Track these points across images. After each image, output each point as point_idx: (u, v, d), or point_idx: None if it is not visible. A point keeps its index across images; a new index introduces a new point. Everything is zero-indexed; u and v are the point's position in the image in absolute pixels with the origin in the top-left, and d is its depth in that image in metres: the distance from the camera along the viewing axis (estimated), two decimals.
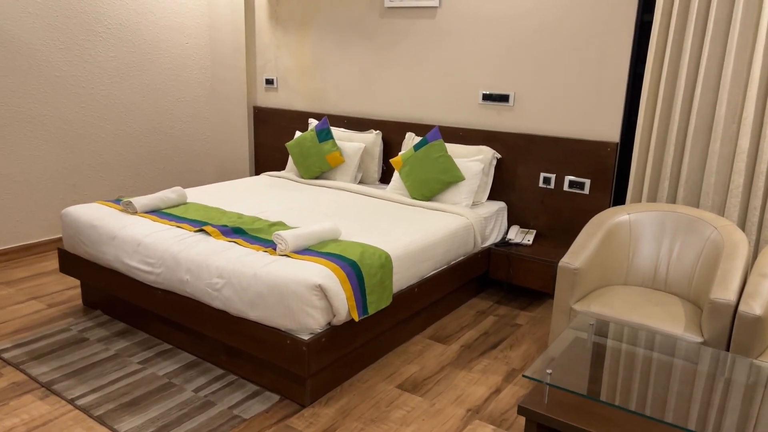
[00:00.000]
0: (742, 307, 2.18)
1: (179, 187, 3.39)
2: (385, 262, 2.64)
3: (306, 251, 2.59)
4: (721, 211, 3.06)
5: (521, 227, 3.77)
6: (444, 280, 3.16)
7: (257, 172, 5.05)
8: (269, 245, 2.66)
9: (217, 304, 2.51)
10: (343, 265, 2.44)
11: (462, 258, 3.33)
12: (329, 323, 2.41)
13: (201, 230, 2.85)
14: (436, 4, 3.91)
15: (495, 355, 2.94)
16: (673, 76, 3.09)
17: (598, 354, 2.16)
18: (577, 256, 2.64)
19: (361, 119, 4.38)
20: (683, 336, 2.33)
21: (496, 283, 3.86)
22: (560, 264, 2.61)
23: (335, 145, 4.07)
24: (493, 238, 3.65)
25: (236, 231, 2.84)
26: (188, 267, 2.59)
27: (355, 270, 2.46)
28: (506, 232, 3.76)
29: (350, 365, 2.65)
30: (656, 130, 3.14)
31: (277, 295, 2.32)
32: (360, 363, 2.72)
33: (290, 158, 4.33)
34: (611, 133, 3.44)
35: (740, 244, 2.55)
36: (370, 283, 2.52)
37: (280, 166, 4.88)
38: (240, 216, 3.12)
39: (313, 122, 4.44)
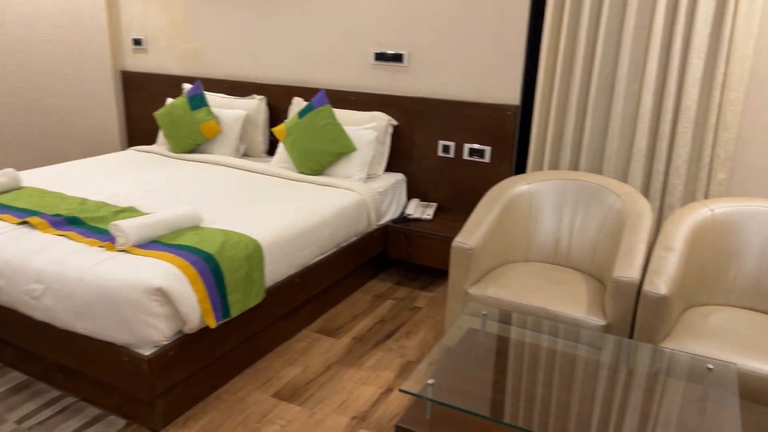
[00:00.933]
0: (646, 286, 1.96)
1: (11, 169, 2.81)
2: (253, 253, 2.24)
3: (153, 244, 2.14)
4: (625, 176, 2.86)
5: (421, 200, 3.46)
6: (333, 266, 2.80)
7: (130, 147, 4.45)
8: (108, 238, 2.19)
9: (38, 315, 2.03)
10: (195, 260, 2.02)
11: (354, 239, 2.97)
12: (180, 331, 1.99)
13: (25, 222, 2.33)
14: None
15: (389, 346, 2.63)
16: (572, 32, 2.82)
17: (491, 350, 1.87)
18: (472, 234, 2.34)
19: (242, 83, 3.89)
20: (586, 320, 2.09)
21: (398, 261, 3.55)
22: (453, 244, 2.31)
23: (210, 113, 3.57)
24: (391, 213, 3.31)
25: (71, 221, 2.34)
26: (1, 270, 2.08)
27: (210, 265, 2.05)
28: (405, 207, 3.44)
29: (217, 375, 2.25)
30: (557, 91, 2.88)
31: (108, 302, 1.88)
32: (231, 370, 2.32)
33: (160, 130, 3.78)
34: (511, 95, 3.15)
35: (644, 213, 2.34)
36: (233, 279, 2.12)
37: (155, 138, 4.31)
38: (83, 202, 2.60)
39: (186, 87, 3.90)
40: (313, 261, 2.67)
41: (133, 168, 3.31)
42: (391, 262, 3.52)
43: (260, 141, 3.75)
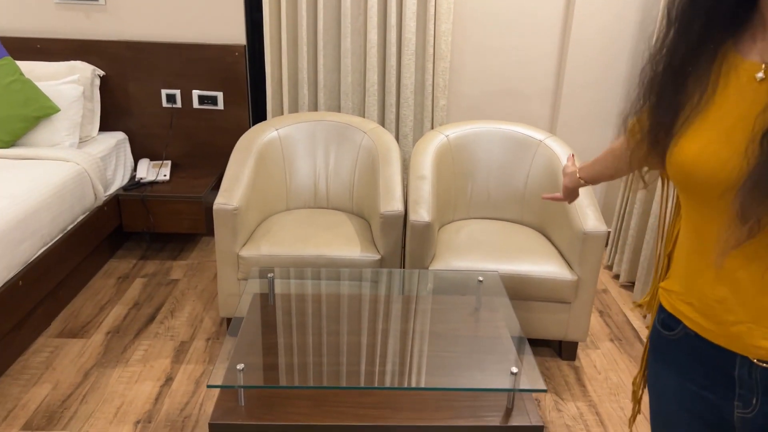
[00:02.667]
0: (412, 217, 2.07)
1: None
2: None
3: None
4: (362, 112, 2.95)
5: (152, 160, 3.06)
6: (62, 256, 2.32)
7: None
8: None
9: None
10: None
11: (82, 218, 2.49)
12: None
13: None
14: None
15: (155, 331, 2.34)
16: None
17: (283, 313, 1.79)
18: (233, 193, 2.16)
19: None
20: (361, 258, 2.14)
21: (136, 233, 3.13)
22: (216, 207, 2.10)
23: None
24: (119, 180, 2.86)
25: None
26: None
27: None
28: (134, 170, 3.01)
29: None
30: (285, 28, 2.76)
31: None
32: None
33: None
34: (236, 33, 2.92)
35: (392, 146, 2.45)
36: None
37: None
38: None
39: None
40: (37, 255, 2.16)
41: None
42: (127, 235, 3.09)
43: None
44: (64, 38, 2.88)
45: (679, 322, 0.85)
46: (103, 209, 2.65)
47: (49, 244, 2.25)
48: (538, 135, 2.45)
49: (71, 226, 2.42)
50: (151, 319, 2.42)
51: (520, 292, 2.08)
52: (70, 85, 2.70)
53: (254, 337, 1.63)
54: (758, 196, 0.68)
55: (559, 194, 1.41)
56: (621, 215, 2.86)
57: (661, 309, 0.89)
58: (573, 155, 1.37)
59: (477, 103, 3.00)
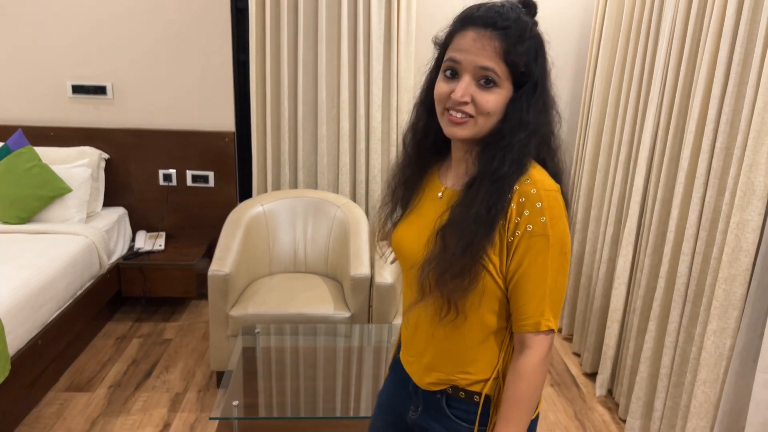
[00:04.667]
0: (377, 279, 2.47)
1: None
2: None
3: None
4: (336, 188, 3.38)
5: (149, 232, 3.43)
6: (73, 319, 2.65)
7: None
8: None
9: None
10: None
11: (89, 284, 2.84)
12: None
13: None
14: None
15: (152, 385, 2.65)
16: (276, 63, 3.18)
17: (268, 361, 2.14)
18: (225, 261, 2.54)
19: None
20: (334, 315, 2.51)
21: (131, 298, 3.45)
22: (210, 273, 2.47)
23: None
24: (120, 250, 3.22)
25: None
26: None
27: None
28: (132, 241, 3.37)
29: None
30: (270, 117, 3.22)
31: None
32: None
33: None
34: (226, 122, 3.38)
35: (361, 219, 2.87)
36: None
37: None
38: None
39: None
40: (53, 318, 2.49)
41: None
42: (125, 299, 3.41)
43: None
44: (75, 127, 3.30)
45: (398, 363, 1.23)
46: (106, 276, 2.99)
47: (63, 308, 2.58)
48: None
49: (80, 292, 2.75)
50: (148, 374, 2.73)
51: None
52: (80, 168, 3.10)
53: (245, 381, 1.98)
54: (425, 272, 1.02)
55: None
56: None
57: (396, 353, 1.26)
58: None
59: None
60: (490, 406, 1.07)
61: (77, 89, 3.27)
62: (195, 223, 3.45)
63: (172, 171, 3.38)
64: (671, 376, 2.15)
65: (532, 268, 0.97)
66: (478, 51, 0.96)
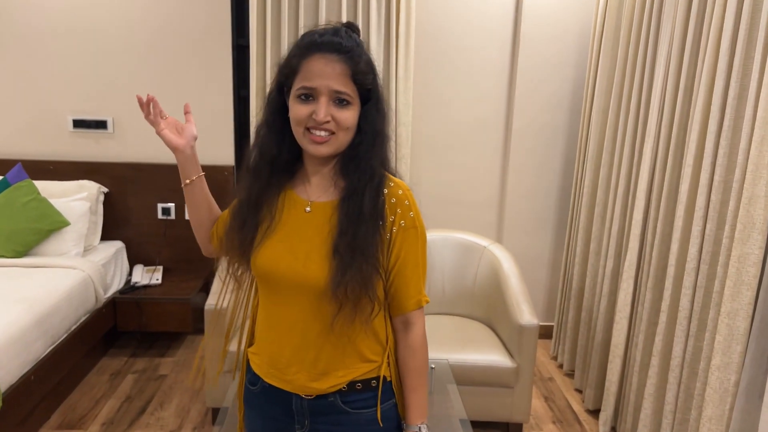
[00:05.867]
0: None
1: None
2: None
3: None
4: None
5: (146, 266, 3.41)
6: (67, 354, 2.60)
7: None
8: None
9: None
10: None
11: (84, 319, 2.80)
12: None
13: None
14: None
15: (146, 422, 2.59)
16: None
17: None
18: (221, 294, 2.51)
19: None
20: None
21: (126, 332, 3.41)
22: (207, 307, 2.44)
23: None
24: (116, 284, 3.19)
25: None
26: None
27: None
28: (129, 274, 3.35)
29: None
30: None
31: None
32: None
33: None
34: (226, 156, 3.39)
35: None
36: None
37: None
38: None
39: None
40: (46, 353, 2.45)
41: None
42: (119, 334, 3.36)
43: None
44: (75, 161, 3.31)
45: (259, 378, 1.21)
46: (102, 311, 2.96)
47: (57, 343, 2.54)
48: (482, 242, 2.89)
49: (75, 327, 2.72)
50: (142, 411, 2.67)
51: (469, 378, 2.42)
52: (78, 201, 3.09)
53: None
54: (339, 288, 1.06)
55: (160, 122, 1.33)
56: (561, 310, 3.26)
57: (248, 370, 1.25)
58: (188, 105, 1.39)
59: (433, 212, 3.46)
60: (386, 386, 1.19)
61: (78, 123, 3.29)
62: (192, 257, 3.43)
63: (171, 205, 3.38)
64: (676, 413, 2.10)
65: (409, 256, 1.14)
66: (330, 75, 1.06)
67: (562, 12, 3.20)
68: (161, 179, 3.34)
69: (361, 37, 1.13)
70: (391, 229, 1.12)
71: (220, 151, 3.38)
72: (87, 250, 3.14)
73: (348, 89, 1.07)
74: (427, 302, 1.19)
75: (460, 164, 3.42)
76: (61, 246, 3.00)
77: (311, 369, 1.14)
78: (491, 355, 2.44)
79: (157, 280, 3.25)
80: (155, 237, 3.41)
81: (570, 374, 3.13)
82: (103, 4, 3.20)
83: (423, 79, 3.33)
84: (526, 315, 2.44)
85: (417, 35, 3.22)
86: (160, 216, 3.38)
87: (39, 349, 2.38)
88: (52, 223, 2.95)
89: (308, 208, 1.15)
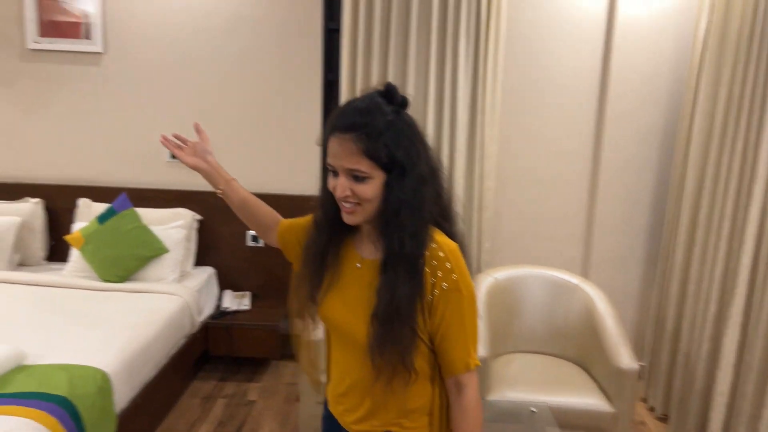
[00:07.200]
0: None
1: None
2: (102, 384, 2.11)
3: None
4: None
5: (235, 291, 3.52)
6: (167, 377, 2.71)
7: None
8: None
9: None
10: (50, 408, 1.84)
11: (182, 344, 2.91)
12: None
13: None
14: (99, 49, 3.34)
15: None
16: None
17: None
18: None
19: (7, 185, 3.46)
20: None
21: (214, 356, 3.51)
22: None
23: None
24: (208, 309, 3.30)
25: None
26: None
27: (67, 409, 1.89)
28: (219, 300, 3.46)
29: None
30: None
31: None
32: None
33: None
34: (312, 186, 3.47)
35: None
36: (90, 418, 1.97)
37: None
38: None
39: None
40: (152, 376, 2.56)
41: None
42: (207, 358, 3.47)
43: (38, 248, 3.37)
44: (170, 189, 3.47)
45: (326, 406, 1.34)
46: (196, 336, 3.07)
47: (161, 366, 2.65)
48: (573, 279, 2.84)
49: (174, 351, 2.83)
50: None
51: (563, 421, 2.37)
52: (175, 229, 3.23)
53: None
54: (375, 353, 1.12)
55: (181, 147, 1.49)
56: (652, 350, 3.15)
57: (325, 405, 1.36)
58: (198, 124, 1.52)
59: (517, 246, 3.44)
60: None
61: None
62: (279, 284, 3.52)
63: None
64: None
65: (454, 319, 1.14)
66: (344, 155, 1.11)
67: (655, 43, 3.15)
68: None
69: (405, 96, 1.15)
70: (433, 292, 1.13)
71: (306, 180, 3.47)
72: (182, 276, 3.27)
73: (361, 166, 1.10)
74: (477, 365, 1.19)
75: (545, 197, 3.39)
76: (159, 272, 3.14)
77: (356, 411, 1.25)
78: (588, 399, 2.38)
79: (246, 305, 3.34)
80: (244, 263, 3.52)
81: (663, 419, 3.01)
82: (199, 43, 3.37)
83: (510, 111, 3.33)
84: (626, 358, 2.38)
85: (504, 67, 3.24)
86: (248, 243, 3.49)
87: (147, 373, 2.49)
88: (153, 250, 3.09)
89: (359, 264, 1.23)
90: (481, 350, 2.40)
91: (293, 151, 3.44)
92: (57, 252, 3.46)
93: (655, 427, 2.96)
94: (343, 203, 1.15)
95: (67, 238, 3.13)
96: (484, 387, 2.42)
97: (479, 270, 3.31)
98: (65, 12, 3.31)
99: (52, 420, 1.81)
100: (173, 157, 3.41)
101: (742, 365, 2.36)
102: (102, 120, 3.46)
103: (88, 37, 3.32)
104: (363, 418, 1.24)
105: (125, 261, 3.05)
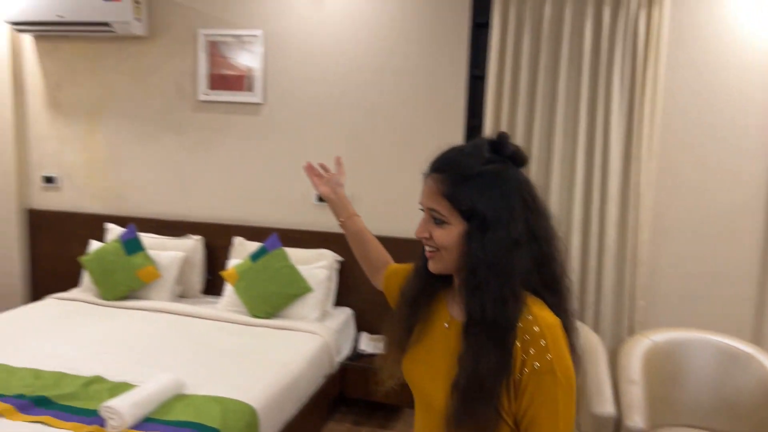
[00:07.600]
0: (627, 422, 2.21)
1: None
2: (251, 419, 2.18)
3: (147, 423, 2.00)
4: None
5: (370, 333, 3.54)
6: (307, 417, 2.75)
7: (36, 295, 4.00)
8: (94, 420, 2.00)
9: None
10: None
11: (321, 383, 2.96)
12: None
13: None
14: (260, 100, 3.62)
15: None
16: None
17: None
18: None
19: (173, 222, 3.80)
20: None
21: (346, 399, 3.53)
22: None
23: (148, 257, 3.43)
24: (345, 350, 3.34)
25: (39, 402, 2.11)
26: None
27: None
28: (355, 341, 3.50)
29: None
30: None
31: None
32: None
33: (86, 275, 3.53)
34: None
35: (598, 347, 2.65)
36: None
37: (69, 283, 3.92)
38: (37, 374, 2.35)
39: (113, 228, 3.72)
40: (293, 415, 2.61)
41: (66, 321, 3.04)
42: (340, 400, 3.49)
43: (196, 281, 3.64)
44: (315, 230, 3.61)
45: None
46: (334, 376, 3.10)
47: (302, 405, 2.70)
48: (746, 347, 2.52)
49: (314, 391, 2.87)
50: None
51: None
52: (320, 269, 3.34)
53: None
54: (451, 425, 1.02)
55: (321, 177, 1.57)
56: None
57: None
58: (340, 158, 1.55)
59: (676, 307, 3.13)
60: None
61: (321, 198, 3.59)
62: None
63: None
64: None
65: (544, 405, 1.01)
66: (427, 193, 1.11)
67: None
68: (392, 251, 3.47)
69: (519, 149, 1.09)
70: (522, 370, 1.01)
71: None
72: (323, 315, 3.35)
73: (440, 207, 1.07)
74: None
75: (710, 253, 3.07)
76: (302, 310, 3.24)
77: None
78: None
79: (381, 349, 3.33)
80: (380, 306, 3.51)
81: None
82: (347, 94, 3.52)
83: (667, 160, 3.09)
84: None
85: (662, 112, 3.03)
86: None
87: (289, 411, 2.55)
88: (299, 289, 3.21)
89: (446, 324, 1.15)
90: (639, 421, 2.18)
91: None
92: (212, 286, 3.71)
93: None
94: (426, 247, 1.12)
95: (223, 274, 3.35)
96: None
97: (632, 331, 3.05)
98: (232, 67, 3.64)
99: None
100: (320, 199, 3.59)
101: None
102: (257, 164, 3.71)
103: (250, 89, 3.61)
104: None
105: (274, 298, 3.19)
